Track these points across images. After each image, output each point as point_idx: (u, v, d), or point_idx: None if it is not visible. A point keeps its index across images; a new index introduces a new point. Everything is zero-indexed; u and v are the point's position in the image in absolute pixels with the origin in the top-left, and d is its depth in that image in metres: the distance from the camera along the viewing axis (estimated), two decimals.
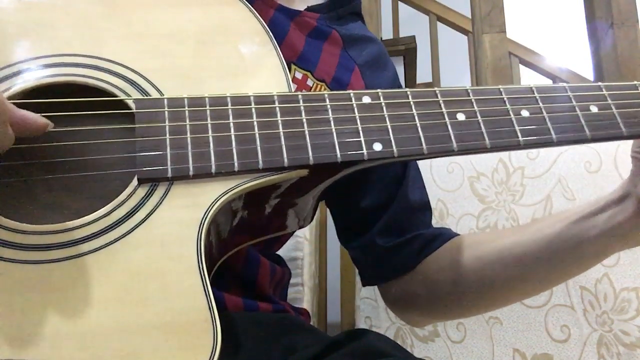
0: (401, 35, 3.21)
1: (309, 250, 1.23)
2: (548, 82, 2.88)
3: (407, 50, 3.10)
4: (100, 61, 0.52)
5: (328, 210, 0.79)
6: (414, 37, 3.10)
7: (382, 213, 0.72)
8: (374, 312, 1.14)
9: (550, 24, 4.07)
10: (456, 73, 3.32)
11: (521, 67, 2.83)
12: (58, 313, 0.41)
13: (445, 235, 0.73)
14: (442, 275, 0.70)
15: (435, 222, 1.12)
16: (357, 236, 0.74)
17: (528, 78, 2.88)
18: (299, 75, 0.72)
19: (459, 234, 0.74)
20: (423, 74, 3.07)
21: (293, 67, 0.71)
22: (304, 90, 0.71)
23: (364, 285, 0.78)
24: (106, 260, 0.44)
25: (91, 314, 0.41)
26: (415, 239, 0.72)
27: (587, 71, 2.46)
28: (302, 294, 1.17)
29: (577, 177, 1.08)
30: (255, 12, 0.57)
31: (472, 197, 1.13)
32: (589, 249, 0.61)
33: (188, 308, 0.42)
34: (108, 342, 0.40)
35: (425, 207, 0.76)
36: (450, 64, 3.21)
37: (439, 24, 3.09)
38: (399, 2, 3.22)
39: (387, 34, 3.11)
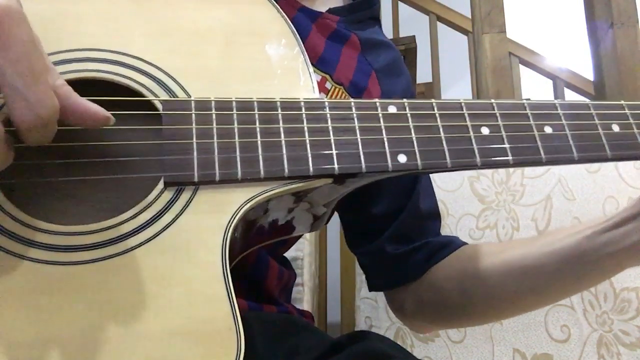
0: (401, 35, 3.20)
1: (309, 250, 1.23)
2: (548, 82, 2.88)
3: (407, 50, 3.10)
4: (127, 58, 0.51)
5: (340, 220, 0.79)
6: (414, 37, 3.10)
7: (393, 220, 0.72)
8: (374, 312, 1.14)
9: (550, 24, 4.07)
10: (456, 73, 3.33)
11: (521, 67, 2.83)
12: (83, 317, 0.41)
13: (454, 244, 0.73)
14: (450, 284, 0.70)
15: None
16: (366, 242, 0.74)
17: (528, 78, 2.88)
18: (317, 78, 0.72)
19: (467, 243, 0.74)
20: (423, 74, 3.06)
21: (312, 68, 0.72)
22: (322, 93, 0.71)
23: (370, 290, 0.78)
24: (132, 264, 0.43)
25: (116, 320, 0.41)
26: (424, 247, 0.72)
27: (587, 71, 2.46)
28: (302, 294, 1.17)
29: (577, 177, 1.08)
30: (282, 12, 0.57)
31: (472, 197, 1.13)
32: (601, 266, 0.61)
33: (213, 316, 0.42)
34: (133, 349, 0.40)
35: (435, 215, 0.77)
36: (450, 64, 3.21)
37: (439, 24, 3.09)
38: (399, 2, 3.22)
39: (387, 34, 3.09)
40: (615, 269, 0.61)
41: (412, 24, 3.25)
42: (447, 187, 1.14)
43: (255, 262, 0.69)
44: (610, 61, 2.05)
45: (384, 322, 1.12)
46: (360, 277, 1.16)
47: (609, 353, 0.99)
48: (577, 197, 1.07)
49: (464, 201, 1.13)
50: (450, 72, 3.16)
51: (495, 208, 1.11)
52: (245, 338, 0.42)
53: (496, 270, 0.67)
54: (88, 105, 0.42)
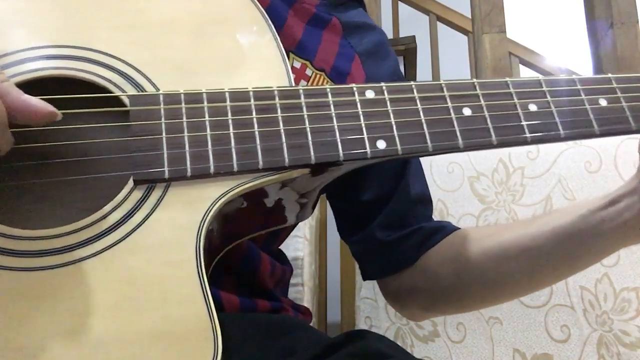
0: (401, 35, 3.20)
1: (309, 250, 1.23)
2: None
3: (407, 50, 3.10)
4: (91, 53, 0.49)
5: (328, 210, 0.79)
6: (414, 37, 3.10)
7: (383, 206, 0.71)
8: (374, 312, 1.14)
9: (550, 24, 4.06)
10: (456, 73, 3.32)
11: (521, 67, 2.83)
12: (53, 323, 0.40)
13: (447, 228, 0.72)
14: (444, 269, 0.69)
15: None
16: (357, 230, 0.73)
17: None
18: (297, 65, 0.70)
19: (460, 228, 0.73)
20: (423, 74, 3.06)
21: (292, 56, 0.70)
22: (302, 81, 0.70)
23: (364, 279, 0.77)
24: (103, 266, 0.42)
25: (88, 323, 0.40)
26: (416, 232, 0.71)
27: (587, 71, 2.46)
28: (302, 294, 1.17)
29: (577, 177, 1.08)
30: None
31: (472, 197, 1.13)
32: (597, 244, 0.61)
33: (188, 316, 0.41)
34: (106, 353, 0.39)
35: (426, 200, 0.75)
36: (450, 64, 3.21)
37: (439, 24, 3.08)
38: (399, 2, 3.21)
39: (387, 34, 3.10)
40: (611, 247, 0.61)
41: (412, 24, 3.24)
42: (447, 187, 1.14)
43: (245, 256, 0.68)
44: (610, 61, 2.05)
45: (384, 322, 1.12)
46: (360, 276, 1.15)
47: (609, 353, 0.99)
48: (577, 197, 1.07)
49: (464, 201, 1.13)
50: (450, 72, 3.15)
51: (495, 208, 1.11)
52: (229, 338, 0.41)
53: (491, 252, 0.66)
54: (30, 101, 0.40)
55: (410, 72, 3.17)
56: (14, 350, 0.38)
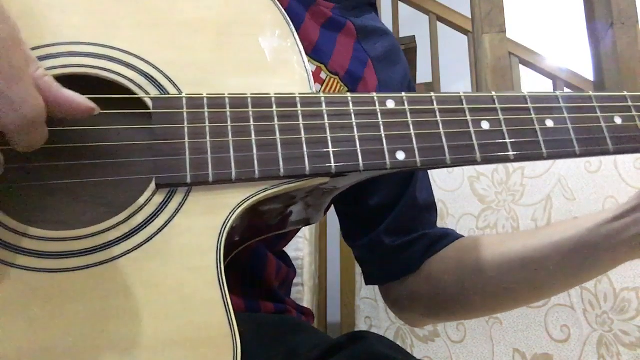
0: (401, 35, 3.20)
1: (309, 250, 1.23)
2: (548, 82, 2.88)
3: (407, 50, 3.09)
4: (114, 51, 0.49)
5: (336, 213, 0.79)
6: (414, 37, 3.10)
7: (390, 212, 0.71)
8: (374, 312, 1.14)
9: (550, 24, 4.07)
10: (456, 73, 3.32)
11: (521, 67, 2.83)
12: (75, 326, 0.40)
13: (452, 236, 0.72)
14: (447, 276, 0.69)
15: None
16: (363, 234, 0.73)
17: (528, 78, 2.88)
18: (312, 68, 0.70)
19: (464, 236, 0.73)
20: (423, 74, 3.06)
21: (307, 58, 0.70)
22: (317, 84, 0.69)
23: (367, 284, 0.78)
24: (125, 270, 0.42)
25: (109, 327, 0.40)
26: (421, 239, 0.71)
27: (587, 71, 2.46)
28: (302, 294, 1.17)
29: (577, 177, 1.08)
30: (276, 1, 0.55)
31: (472, 197, 1.13)
32: (601, 258, 0.60)
33: (208, 322, 0.41)
34: (127, 357, 0.39)
35: (431, 207, 0.76)
36: (450, 64, 3.21)
37: (439, 24, 3.08)
38: (399, 2, 3.21)
39: None
40: (616, 261, 0.61)
41: (412, 24, 3.24)
42: (447, 187, 1.14)
43: (252, 256, 0.68)
44: (610, 61, 2.05)
45: (384, 322, 1.12)
46: (361, 277, 1.15)
47: (609, 353, 0.99)
48: (577, 197, 1.07)
49: (464, 201, 1.13)
50: (450, 72, 3.16)
51: (495, 208, 1.11)
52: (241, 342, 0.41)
53: (494, 262, 0.66)
54: (71, 95, 0.41)
55: (410, 72, 3.17)
56: (37, 351, 0.38)
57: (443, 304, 0.72)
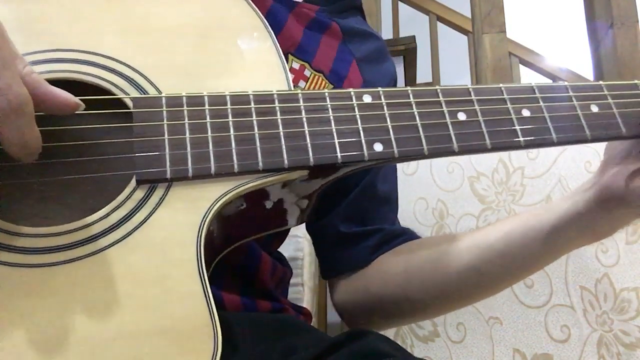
0: (401, 35, 3.20)
1: (309, 250, 1.23)
2: (548, 82, 2.88)
3: (407, 50, 3.10)
4: (97, 57, 0.51)
5: None
6: (414, 37, 3.10)
7: (345, 196, 0.72)
8: None
9: (550, 24, 4.07)
10: (456, 73, 3.32)
11: (521, 67, 2.83)
12: (58, 318, 0.40)
13: (408, 235, 0.72)
14: (395, 277, 0.69)
15: (435, 222, 1.13)
16: (319, 218, 0.73)
17: (528, 78, 2.88)
18: (296, 66, 0.71)
19: (421, 237, 0.72)
20: (423, 74, 3.07)
21: (290, 57, 0.71)
22: (301, 81, 0.70)
23: (323, 278, 0.76)
24: (105, 264, 0.43)
25: (91, 320, 0.41)
26: (376, 233, 0.71)
27: (587, 71, 2.46)
28: (302, 294, 1.17)
29: (577, 177, 1.08)
30: (254, 6, 0.57)
31: (472, 197, 1.13)
32: (546, 239, 0.60)
33: (189, 313, 0.42)
34: (109, 349, 0.40)
35: (390, 203, 0.75)
36: (450, 64, 3.21)
37: (439, 24, 3.08)
38: (399, 2, 3.22)
39: (387, 34, 3.11)
40: (561, 243, 0.60)
41: (412, 24, 3.25)
42: (447, 187, 1.14)
43: (246, 255, 0.68)
44: (610, 61, 2.05)
45: None
46: None
47: (609, 353, 0.99)
48: None
49: (464, 201, 1.13)
50: (450, 72, 3.16)
51: (495, 208, 1.11)
52: (230, 337, 0.41)
53: (439, 262, 0.66)
54: (57, 91, 0.42)
55: (410, 72, 3.17)
56: (17, 345, 0.39)
57: (386, 307, 0.71)
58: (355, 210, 0.72)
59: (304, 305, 1.16)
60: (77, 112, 0.43)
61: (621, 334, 1.00)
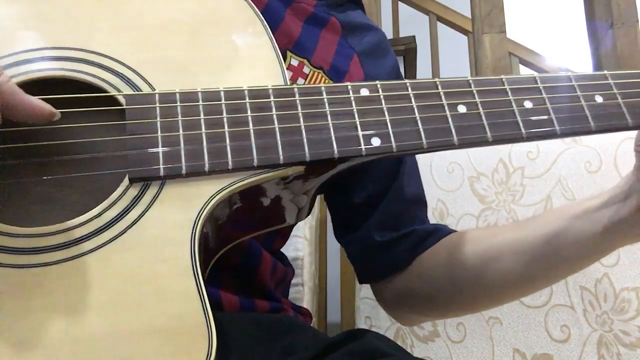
0: (401, 35, 3.20)
1: (309, 250, 1.23)
2: None
3: (407, 50, 3.10)
4: (90, 54, 0.50)
5: (328, 209, 0.79)
6: (414, 37, 3.10)
7: (377, 205, 0.71)
8: (374, 312, 1.13)
9: (550, 24, 4.06)
10: (456, 73, 3.31)
11: (521, 67, 2.83)
12: (51, 318, 0.40)
13: (442, 231, 0.72)
14: (438, 272, 0.69)
15: (435, 222, 1.12)
16: (352, 231, 0.73)
17: None
18: (295, 63, 0.70)
19: (456, 230, 0.73)
20: (423, 74, 3.06)
21: (289, 54, 0.70)
22: (300, 78, 0.70)
23: (360, 282, 0.77)
24: (98, 263, 0.42)
25: (84, 319, 0.40)
26: (410, 235, 0.71)
27: (587, 71, 2.45)
28: (302, 294, 1.17)
29: (577, 177, 1.08)
30: (249, 0, 0.56)
31: (472, 197, 1.13)
32: (592, 245, 0.60)
33: (182, 312, 0.41)
34: (102, 348, 0.39)
35: (420, 202, 0.75)
36: (450, 64, 3.20)
37: (439, 24, 3.08)
38: (399, 2, 3.21)
39: (387, 34, 3.10)
40: (609, 246, 0.60)
41: (412, 24, 3.24)
42: (447, 187, 1.14)
43: (246, 254, 0.68)
44: (610, 61, 2.05)
45: (384, 322, 1.12)
46: None
47: (609, 353, 0.99)
48: (577, 197, 1.07)
49: (464, 201, 1.13)
50: (450, 72, 3.15)
51: (495, 208, 1.11)
52: (228, 337, 0.41)
53: (486, 255, 0.66)
54: (32, 100, 0.42)
55: (410, 72, 3.17)
56: (11, 345, 0.39)
57: (435, 301, 0.72)
58: (387, 218, 0.71)
59: (304, 305, 1.16)
60: (69, 110, 0.43)
61: (621, 334, 1.00)
